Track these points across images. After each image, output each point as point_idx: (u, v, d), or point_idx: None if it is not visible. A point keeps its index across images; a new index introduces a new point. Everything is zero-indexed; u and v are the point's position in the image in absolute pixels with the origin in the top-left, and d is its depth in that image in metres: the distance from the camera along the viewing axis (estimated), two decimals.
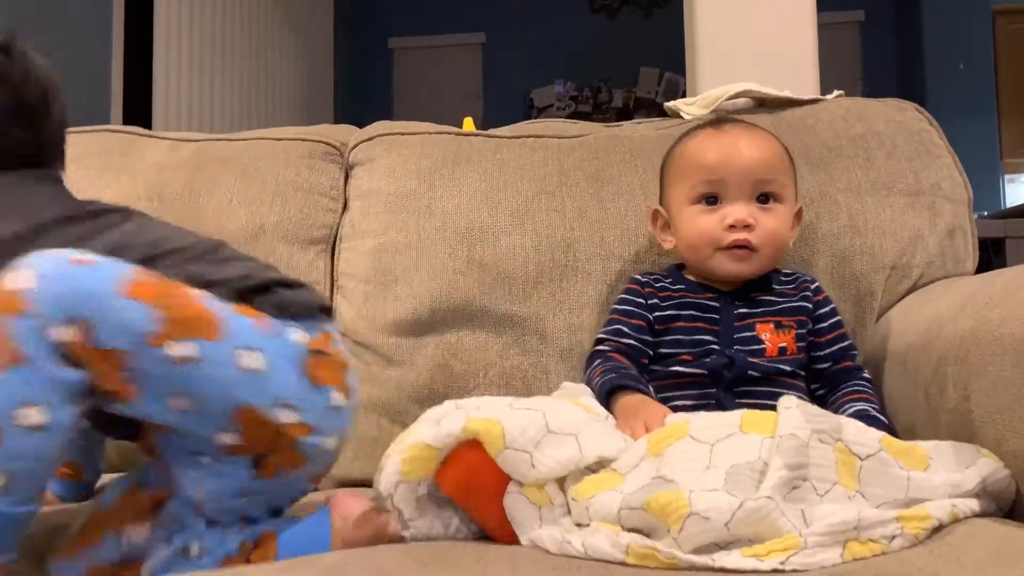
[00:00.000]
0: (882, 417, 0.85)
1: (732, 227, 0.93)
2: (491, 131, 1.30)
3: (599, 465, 0.67)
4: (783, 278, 0.99)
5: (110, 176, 1.25)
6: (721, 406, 0.87)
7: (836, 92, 1.31)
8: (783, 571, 0.49)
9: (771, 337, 0.92)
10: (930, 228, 1.11)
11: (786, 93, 1.27)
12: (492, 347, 1.12)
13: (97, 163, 1.27)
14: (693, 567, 0.51)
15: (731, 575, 0.50)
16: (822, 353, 0.95)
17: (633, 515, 0.58)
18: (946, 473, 0.63)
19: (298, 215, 1.23)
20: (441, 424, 0.68)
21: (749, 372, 0.89)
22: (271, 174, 1.25)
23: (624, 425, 0.76)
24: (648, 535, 0.59)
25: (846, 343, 0.96)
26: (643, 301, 0.99)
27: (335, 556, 0.63)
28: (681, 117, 1.30)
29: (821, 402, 0.91)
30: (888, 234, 1.10)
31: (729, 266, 0.94)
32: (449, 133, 1.28)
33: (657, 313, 0.97)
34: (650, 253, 1.11)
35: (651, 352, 0.97)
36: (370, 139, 1.29)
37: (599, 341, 1.00)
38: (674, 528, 0.54)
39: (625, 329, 0.98)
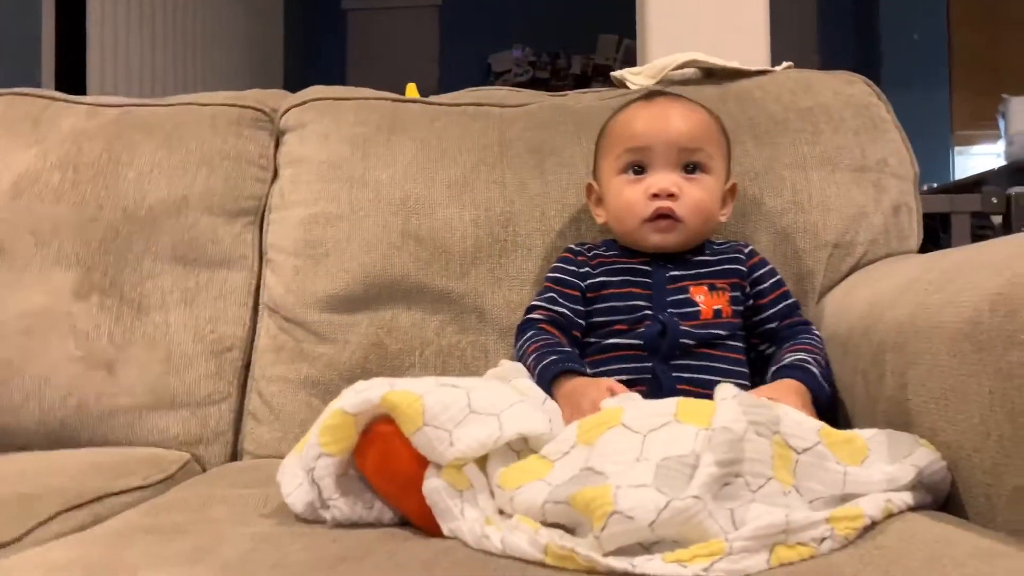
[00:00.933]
0: (814, 368, 0.83)
1: (656, 196, 0.91)
2: (431, 98, 1.24)
3: (523, 445, 0.65)
4: (716, 246, 0.97)
5: (20, 144, 1.17)
6: (658, 380, 0.85)
7: (785, 64, 1.27)
8: None
9: (705, 299, 0.90)
10: (875, 205, 1.09)
11: (734, 64, 1.23)
12: (428, 325, 1.07)
13: (4, 132, 1.18)
14: (612, 572, 0.48)
15: None
16: (768, 313, 0.94)
17: (558, 509, 0.55)
18: (883, 466, 0.61)
19: (224, 185, 1.16)
20: (361, 393, 0.65)
21: (683, 339, 0.87)
22: (196, 142, 1.18)
23: (574, 413, 0.72)
24: (573, 531, 0.56)
25: (791, 300, 0.95)
26: (575, 269, 0.97)
27: (243, 545, 0.58)
28: (627, 87, 1.26)
29: (768, 360, 0.90)
30: (832, 211, 1.07)
31: (653, 238, 0.92)
32: (387, 99, 1.23)
33: (590, 281, 0.95)
34: (592, 229, 1.07)
35: (583, 322, 0.94)
36: (302, 104, 1.22)
37: (531, 309, 0.97)
38: (596, 526, 0.51)
39: (558, 298, 0.95)
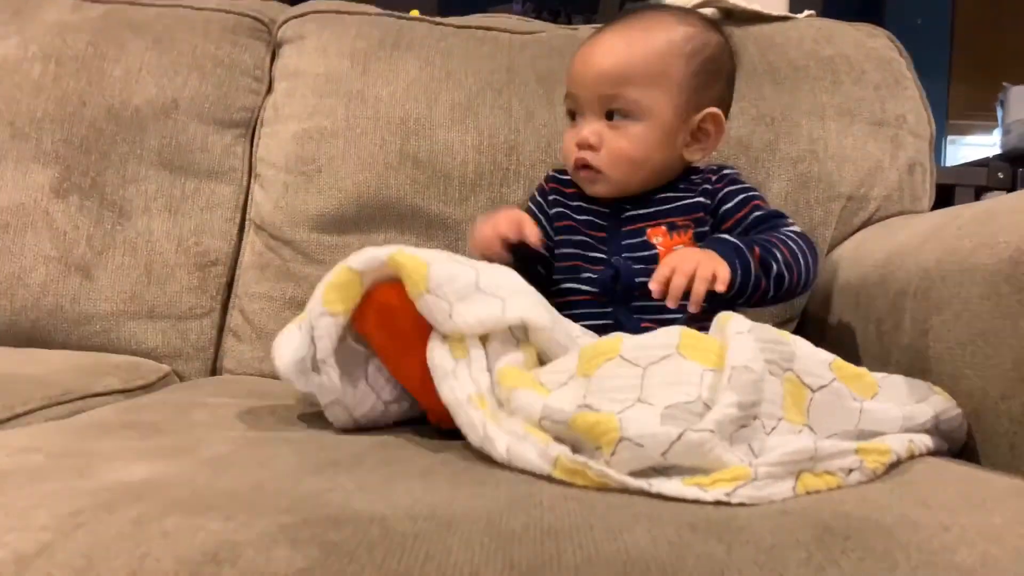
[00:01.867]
0: (736, 240, 0.74)
1: (578, 147, 0.84)
2: (437, 19, 1.19)
3: (523, 335, 0.61)
4: (693, 176, 0.87)
5: None
6: (621, 327, 0.75)
7: (807, 12, 1.23)
8: (728, 503, 0.43)
9: (664, 240, 0.83)
10: (891, 160, 1.05)
11: (755, 6, 1.18)
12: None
13: None
14: (626, 489, 0.45)
15: (669, 502, 0.43)
16: (732, 233, 0.81)
17: (556, 428, 0.51)
18: (898, 405, 0.58)
19: (216, 92, 1.11)
20: (368, 252, 0.60)
21: (638, 280, 0.79)
22: (188, 45, 1.12)
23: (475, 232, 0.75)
24: (575, 449, 0.53)
25: (762, 212, 0.83)
26: (542, 201, 0.92)
27: (225, 446, 0.55)
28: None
29: None
30: (848, 162, 1.04)
31: (586, 188, 0.86)
32: (390, 15, 1.17)
33: (557, 210, 0.90)
34: None
35: (547, 254, 0.89)
36: (302, 15, 1.16)
37: None
38: (606, 451, 0.47)
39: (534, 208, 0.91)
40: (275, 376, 0.99)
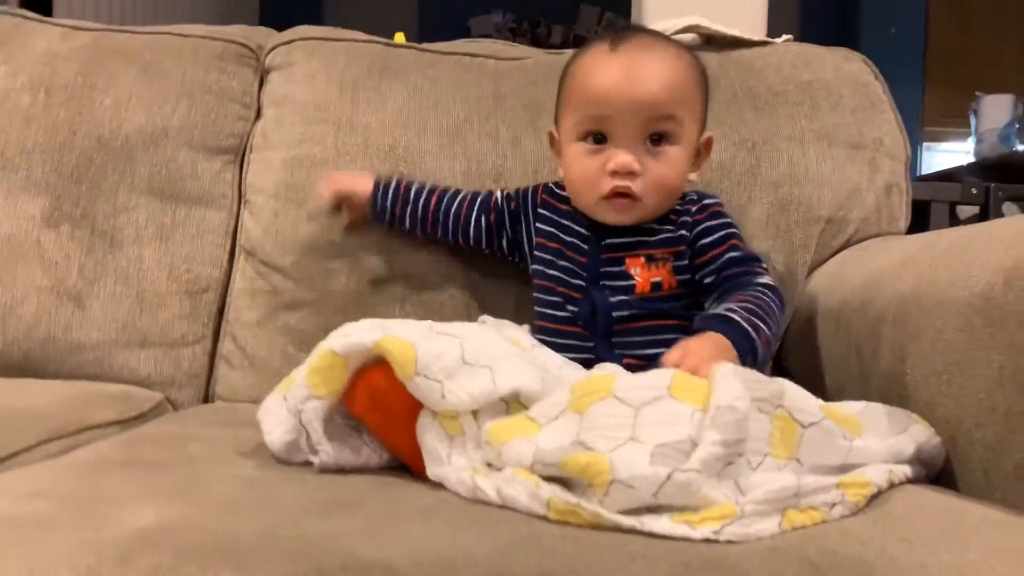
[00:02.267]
0: (738, 317, 0.73)
1: (616, 173, 0.81)
2: (424, 45, 1.21)
3: (514, 399, 0.62)
4: (677, 207, 0.86)
5: None
6: (600, 359, 0.79)
7: (785, 36, 1.26)
8: (716, 541, 0.45)
9: (642, 272, 0.82)
10: (868, 183, 1.08)
11: (735, 32, 1.21)
12: (411, 278, 1.05)
13: None
14: (619, 528, 0.47)
15: (660, 540, 0.45)
16: (708, 268, 0.83)
17: (548, 471, 0.53)
18: (881, 439, 0.61)
19: (205, 120, 1.12)
20: (351, 336, 0.62)
21: (615, 314, 0.81)
22: (177, 73, 1.13)
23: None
24: (568, 486, 0.54)
25: (738, 253, 0.83)
26: (530, 204, 0.95)
27: (227, 485, 0.56)
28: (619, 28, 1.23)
29: None
30: (827, 186, 1.06)
31: (609, 216, 0.84)
32: (378, 43, 1.18)
33: (540, 224, 0.92)
34: None
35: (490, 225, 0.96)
36: (289, 42, 1.18)
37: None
38: (599, 492, 0.49)
39: (499, 200, 0.97)
40: None
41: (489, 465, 0.58)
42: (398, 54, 1.16)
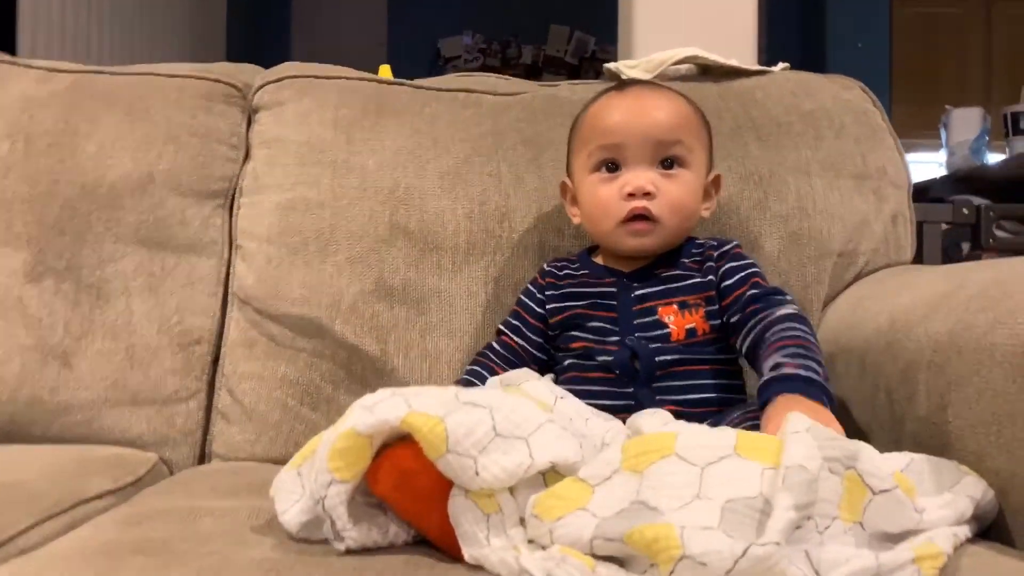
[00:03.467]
0: (811, 372, 0.70)
1: (631, 196, 0.84)
2: (417, 81, 1.17)
3: (553, 472, 0.59)
4: (695, 250, 0.88)
5: None
6: (642, 405, 0.77)
7: (782, 64, 1.25)
8: None
9: (676, 319, 0.83)
10: (876, 214, 1.07)
11: (733, 62, 1.20)
12: (415, 326, 1.01)
13: None
14: None
15: None
16: (732, 308, 0.82)
17: (610, 546, 0.50)
18: (934, 495, 0.58)
19: (192, 163, 1.07)
20: (375, 411, 0.57)
21: (658, 359, 0.81)
22: (162, 116, 1.09)
23: None
24: (623, 563, 0.51)
25: (758, 290, 0.82)
26: (540, 297, 0.93)
27: (252, 574, 0.52)
28: (617, 76, 1.21)
29: (752, 363, 0.79)
30: (836, 218, 1.05)
31: (630, 242, 0.86)
32: (370, 80, 1.15)
33: (552, 305, 0.91)
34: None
35: (543, 356, 0.92)
36: (279, 80, 1.14)
37: (498, 332, 0.94)
38: (664, 568, 0.46)
39: (522, 328, 0.93)
40: (269, 460, 0.96)
41: (531, 542, 0.55)
42: (392, 92, 1.13)
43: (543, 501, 0.55)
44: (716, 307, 0.84)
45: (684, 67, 1.23)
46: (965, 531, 0.56)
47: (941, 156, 3.78)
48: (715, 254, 0.87)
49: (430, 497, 0.57)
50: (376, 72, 1.30)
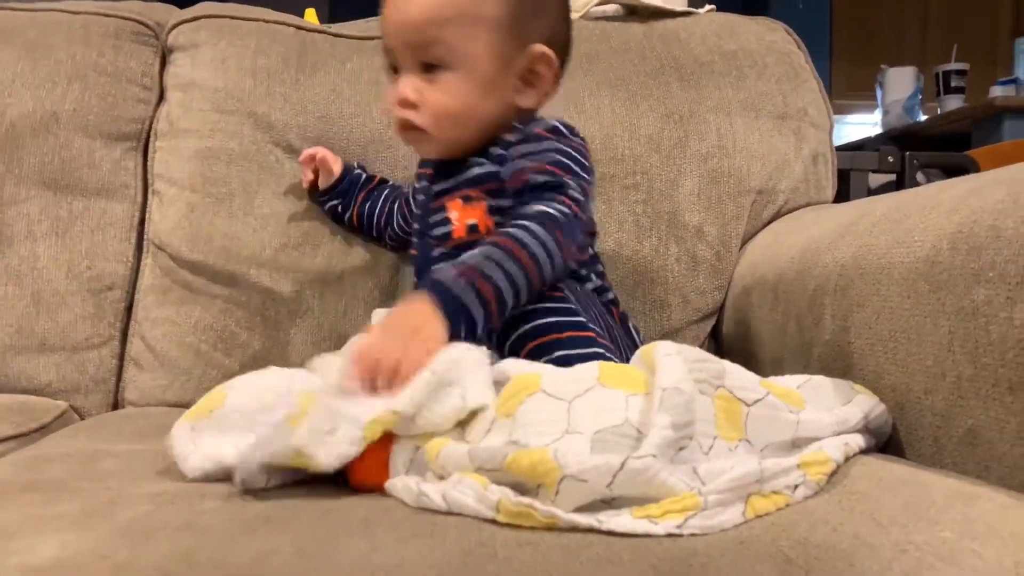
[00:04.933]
0: (456, 270, 0.64)
1: (396, 105, 0.78)
2: (339, 28, 1.13)
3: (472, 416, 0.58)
4: (510, 136, 0.79)
5: None
6: None
7: (708, 6, 1.24)
8: (680, 536, 0.42)
9: (459, 214, 0.78)
10: (796, 153, 1.08)
11: (658, 2, 1.19)
12: (333, 268, 0.99)
13: None
14: (576, 528, 0.43)
15: (622, 538, 0.42)
16: (510, 193, 0.75)
17: (492, 475, 0.49)
18: (829, 411, 0.59)
19: (102, 104, 1.03)
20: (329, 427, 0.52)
21: (432, 256, 0.78)
22: (66, 53, 1.04)
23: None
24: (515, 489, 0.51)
25: (540, 177, 0.73)
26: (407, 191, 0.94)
27: (142, 506, 0.50)
28: None
29: None
30: (756, 157, 1.05)
31: (416, 150, 0.83)
32: (289, 25, 1.11)
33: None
34: None
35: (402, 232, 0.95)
36: (194, 20, 1.09)
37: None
38: (549, 491, 0.46)
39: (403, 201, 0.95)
40: (182, 405, 0.94)
41: (441, 478, 0.54)
42: (313, 43, 1.09)
43: (429, 445, 0.54)
44: (504, 201, 0.76)
45: (611, 8, 1.21)
46: (858, 440, 0.57)
47: (875, 117, 3.86)
48: (514, 137, 0.78)
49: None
50: (302, 15, 1.26)
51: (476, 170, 0.78)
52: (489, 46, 0.76)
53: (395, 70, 0.80)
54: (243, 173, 1.00)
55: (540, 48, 0.78)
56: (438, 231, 0.79)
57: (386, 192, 0.97)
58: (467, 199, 0.77)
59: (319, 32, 1.12)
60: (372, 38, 1.10)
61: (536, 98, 0.80)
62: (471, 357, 0.58)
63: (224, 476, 0.56)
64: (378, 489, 0.53)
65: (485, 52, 0.76)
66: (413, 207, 0.90)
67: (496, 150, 0.79)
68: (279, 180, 1.01)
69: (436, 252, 0.78)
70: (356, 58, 1.08)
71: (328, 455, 0.51)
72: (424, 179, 0.85)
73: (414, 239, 0.85)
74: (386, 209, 0.96)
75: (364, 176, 0.98)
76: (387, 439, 0.54)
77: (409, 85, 0.77)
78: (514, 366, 0.60)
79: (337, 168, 0.97)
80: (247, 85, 1.04)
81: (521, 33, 0.77)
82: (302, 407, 0.54)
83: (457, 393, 0.55)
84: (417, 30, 0.75)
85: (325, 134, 1.02)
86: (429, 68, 0.77)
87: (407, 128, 0.78)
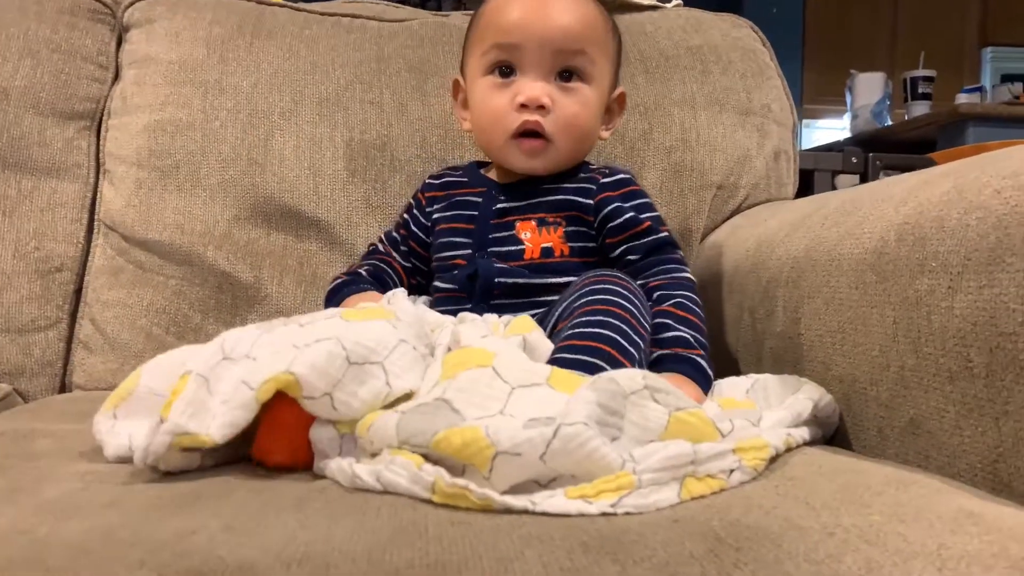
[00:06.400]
0: (697, 355, 0.69)
1: (524, 107, 0.77)
2: (299, 3, 1.13)
3: (404, 397, 0.56)
4: (583, 174, 0.82)
5: None
6: None
7: (675, 1, 1.24)
8: (614, 515, 0.42)
9: (532, 236, 0.78)
10: (758, 149, 1.08)
11: None
12: (291, 253, 0.98)
13: None
14: (510, 510, 0.43)
15: (555, 518, 0.41)
16: (631, 245, 0.79)
17: (420, 451, 0.48)
18: (781, 406, 0.59)
19: (54, 82, 1.01)
20: (221, 397, 0.51)
21: (499, 280, 0.76)
22: (19, 28, 1.01)
23: None
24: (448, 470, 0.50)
25: (662, 236, 0.79)
26: (418, 215, 0.88)
27: (69, 484, 0.49)
28: None
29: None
30: (718, 151, 1.06)
31: (520, 162, 0.80)
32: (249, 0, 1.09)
33: (435, 217, 0.86)
34: (477, 155, 1.01)
35: (424, 268, 0.88)
36: None
37: (379, 240, 0.91)
38: (482, 469, 0.45)
39: (399, 242, 0.89)
40: None
41: (374, 456, 0.53)
42: (270, 12, 1.08)
43: (362, 421, 0.53)
44: (581, 229, 0.79)
45: None
46: (802, 433, 0.57)
47: (843, 122, 3.90)
48: (602, 179, 0.81)
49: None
50: None
51: (561, 196, 0.80)
52: (608, 74, 0.83)
53: (503, 73, 0.80)
54: (187, 143, 0.98)
55: (622, 89, 0.87)
56: (504, 248, 0.79)
57: (392, 269, 0.89)
58: (543, 222, 0.79)
59: (278, 5, 1.10)
60: (334, 14, 1.09)
61: (608, 132, 0.87)
62: (396, 336, 0.56)
63: None
64: (299, 468, 0.52)
65: (608, 77, 0.83)
66: (431, 222, 0.87)
67: (583, 179, 0.81)
68: (221, 146, 0.98)
69: (501, 266, 0.77)
70: (315, 27, 1.07)
71: (215, 423, 0.49)
72: (474, 196, 0.84)
73: (454, 252, 0.82)
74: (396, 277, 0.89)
75: (382, 282, 0.87)
76: (303, 417, 0.52)
77: (542, 89, 0.77)
78: (470, 331, 0.60)
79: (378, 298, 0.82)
80: (200, 55, 1.02)
81: (615, 73, 0.86)
82: (175, 389, 0.52)
83: (379, 375, 0.53)
84: (572, 36, 0.78)
85: (277, 92, 1.00)
86: (565, 77, 0.79)
87: (532, 134, 0.78)
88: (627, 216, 0.79)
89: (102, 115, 1.04)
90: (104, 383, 0.93)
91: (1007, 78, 3.93)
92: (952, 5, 5.03)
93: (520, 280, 0.76)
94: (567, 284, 0.73)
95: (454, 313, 0.72)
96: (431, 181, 0.91)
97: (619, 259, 0.79)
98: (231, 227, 0.97)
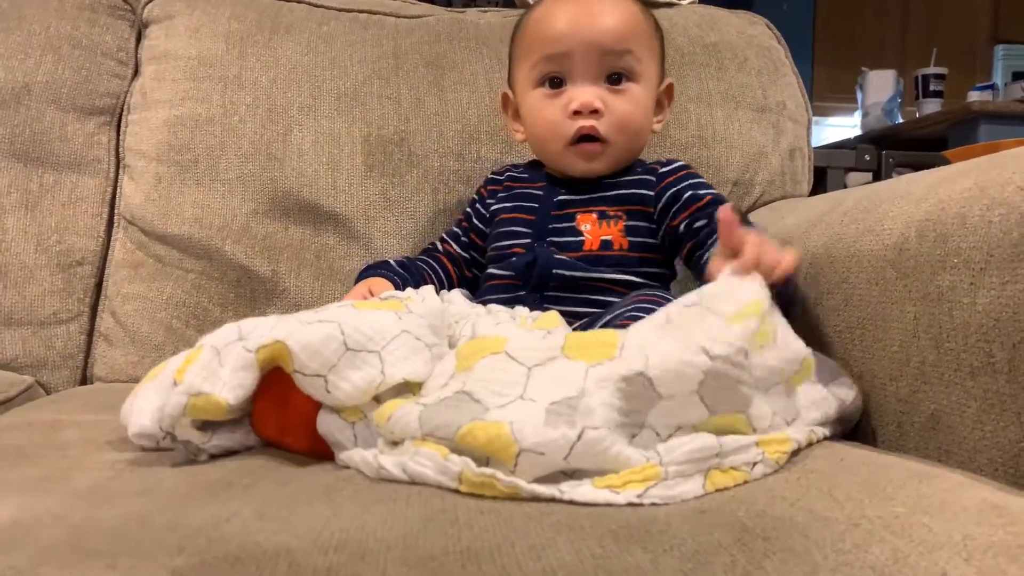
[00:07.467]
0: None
1: (577, 114, 0.79)
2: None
3: (406, 387, 0.56)
4: (639, 168, 0.85)
5: None
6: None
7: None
8: (641, 505, 0.42)
9: (592, 228, 0.79)
10: (774, 146, 1.09)
11: None
12: (309, 247, 0.98)
13: None
14: (538, 498, 0.43)
15: (583, 507, 0.42)
16: (681, 232, 0.78)
17: (445, 444, 0.48)
18: (814, 390, 0.59)
19: (75, 77, 1.02)
20: (229, 366, 0.53)
21: (556, 271, 0.77)
22: (40, 24, 1.02)
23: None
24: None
25: (714, 208, 0.77)
26: (480, 208, 0.91)
27: (102, 472, 0.50)
28: (530, 5, 1.19)
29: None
30: (734, 148, 1.06)
31: (579, 166, 0.82)
32: None
33: (495, 208, 0.89)
34: (493, 151, 1.01)
35: (482, 261, 0.90)
36: None
37: (439, 238, 0.93)
38: (507, 464, 0.45)
39: (460, 235, 0.92)
40: None
41: (395, 444, 0.53)
42: (289, 8, 1.09)
43: (379, 412, 0.53)
44: (642, 224, 0.80)
45: None
46: (825, 431, 0.57)
47: (857, 118, 3.88)
48: (661, 170, 0.83)
49: (302, 421, 0.55)
50: None
51: (625, 190, 0.82)
52: (655, 68, 0.84)
53: (552, 84, 0.82)
54: (206, 138, 0.99)
55: (670, 80, 0.88)
56: (563, 239, 0.80)
57: (438, 262, 0.91)
58: (603, 215, 0.80)
59: (297, 2, 1.11)
60: (351, 10, 1.10)
61: (659, 125, 0.88)
62: (398, 326, 0.56)
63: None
64: (306, 452, 0.53)
65: (655, 72, 0.84)
66: (491, 214, 0.89)
67: (641, 172, 0.83)
68: (240, 140, 0.99)
69: (560, 257, 0.78)
70: (333, 23, 1.08)
71: (226, 387, 0.51)
72: (535, 189, 0.86)
73: (513, 240, 0.83)
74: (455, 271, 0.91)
75: (412, 271, 0.87)
76: (297, 396, 0.53)
77: (593, 93, 0.79)
78: (484, 321, 0.60)
79: (387, 286, 0.83)
80: (219, 50, 1.03)
81: (661, 65, 0.87)
82: (188, 357, 0.54)
83: (375, 364, 0.53)
84: (617, 37, 0.79)
85: (296, 87, 1.01)
86: (614, 79, 0.80)
87: (588, 139, 0.79)
88: (688, 195, 0.80)
89: (122, 110, 1.05)
90: (124, 375, 0.94)
91: (1019, 76, 3.91)
92: (964, 2, 5.00)
93: (577, 273, 0.77)
94: (623, 282, 0.74)
95: (508, 303, 0.73)
96: (493, 176, 0.93)
97: (686, 234, 0.78)
98: (249, 221, 0.98)
